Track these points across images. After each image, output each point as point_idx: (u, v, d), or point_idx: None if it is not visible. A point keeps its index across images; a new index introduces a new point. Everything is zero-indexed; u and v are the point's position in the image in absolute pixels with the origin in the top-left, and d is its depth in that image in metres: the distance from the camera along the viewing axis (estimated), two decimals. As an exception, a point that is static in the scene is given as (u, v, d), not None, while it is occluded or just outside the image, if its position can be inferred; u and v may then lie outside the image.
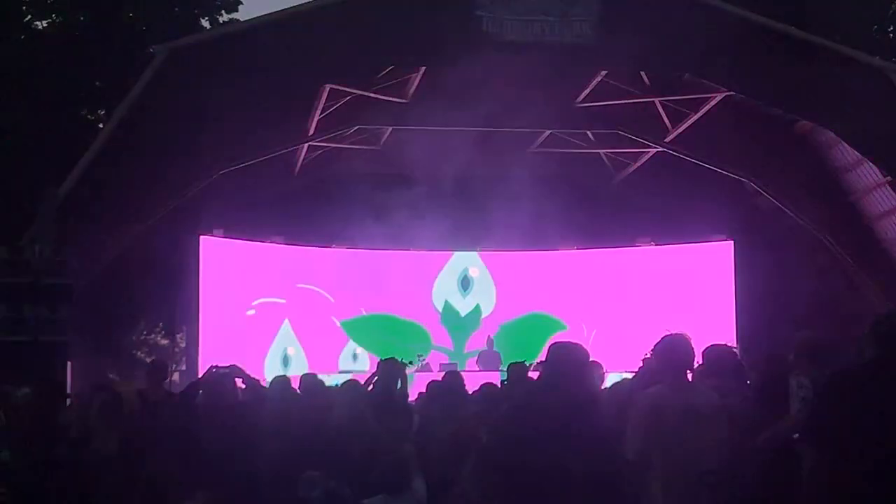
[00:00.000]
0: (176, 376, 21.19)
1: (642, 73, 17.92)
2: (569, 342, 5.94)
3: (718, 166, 19.00)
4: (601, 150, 20.81)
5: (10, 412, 9.22)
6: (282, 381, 9.41)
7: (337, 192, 18.88)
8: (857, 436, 4.55)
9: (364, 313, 20.27)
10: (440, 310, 20.68)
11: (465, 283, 20.85)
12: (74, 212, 14.95)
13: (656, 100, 18.33)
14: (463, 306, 20.81)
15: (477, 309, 20.78)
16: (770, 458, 6.49)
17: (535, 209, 17.71)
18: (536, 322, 20.33)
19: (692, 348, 6.28)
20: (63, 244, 14.16)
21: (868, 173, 18.01)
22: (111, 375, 19.59)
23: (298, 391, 9.55)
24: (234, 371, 9.20)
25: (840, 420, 4.62)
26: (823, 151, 18.67)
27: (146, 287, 18.93)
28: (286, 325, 19.62)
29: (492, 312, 20.79)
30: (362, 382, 9.56)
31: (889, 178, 17.41)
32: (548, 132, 19.79)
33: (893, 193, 17.70)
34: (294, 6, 16.20)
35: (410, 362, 10.37)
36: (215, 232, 18.75)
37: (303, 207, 19.50)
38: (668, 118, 18.52)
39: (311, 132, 18.15)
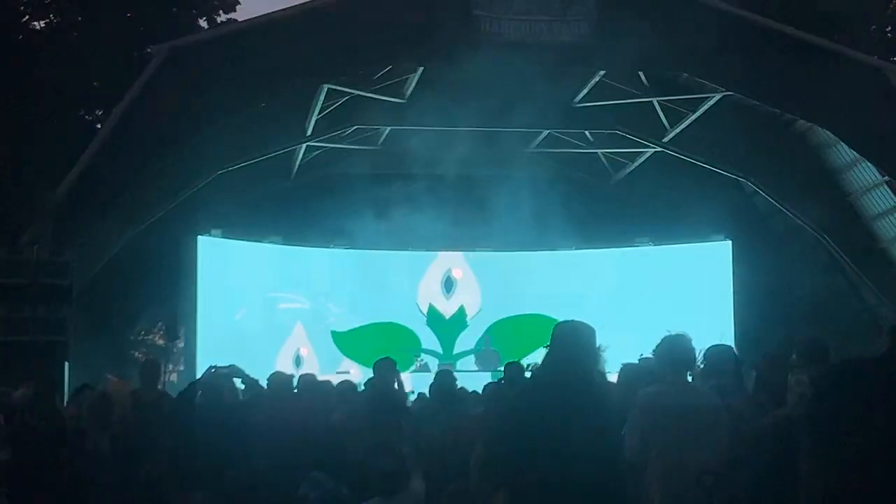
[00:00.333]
0: (174, 376, 21.20)
1: (640, 72, 17.91)
2: (575, 321, 5.82)
3: (717, 166, 19.00)
4: (599, 150, 20.80)
5: (9, 412, 9.22)
6: (280, 378, 9.41)
7: (335, 191, 18.87)
8: (858, 427, 4.52)
9: (354, 325, 20.12)
10: (425, 312, 20.61)
11: (448, 285, 20.73)
12: (73, 212, 14.93)
13: (654, 99, 18.32)
14: (447, 308, 20.71)
15: (461, 310, 20.68)
16: (768, 458, 6.48)
17: (534, 209, 17.72)
18: (533, 321, 20.30)
19: (693, 348, 6.28)
20: (62, 245, 14.17)
21: (866, 173, 18.02)
22: (109, 375, 19.59)
23: (296, 391, 9.58)
24: (234, 371, 9.21)
25: (842, 410, 4.58)
26: (821, 151, 18.67)
27: (144, 287, 18.93)
28: (299, 327, 19.63)
29: (478, 313, 20.67)
30: (357, 383, 9.60)
31: (887, 177, 17.42)
32: (546, 132, 19.78)
33: (891, 193, 17.71)
34: (292, 6, 16.20)
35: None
36: (213, 232, 18.73)
37: (301, 208, 19.49)
38: (667, 118, 18.51)
39: (309, 132, 18.14)
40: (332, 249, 20.05)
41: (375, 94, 17.84)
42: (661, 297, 19.27)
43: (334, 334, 19.96)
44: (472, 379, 13.70)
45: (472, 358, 19.74)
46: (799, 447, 4.94)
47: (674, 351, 6.18)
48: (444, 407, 8.82)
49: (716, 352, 7.24)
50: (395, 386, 9.52)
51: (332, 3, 15.98)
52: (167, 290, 19.01)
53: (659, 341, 6.27)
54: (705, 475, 5.83)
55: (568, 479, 5.16)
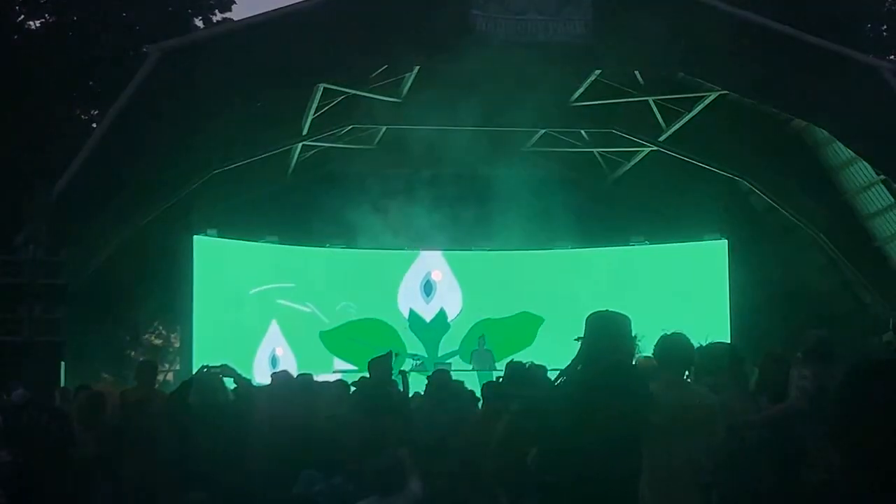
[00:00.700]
0: (170, 376, 21.20)
1: (636, 72, 17.92)
2: (609, 311, 5.74)
3: (712, 165, 19.02)
4: (595, 149, 20.81)
5: (9, 413, 9.21)
6: (283, 377, 9.41)
7: (331, 191, 18.86)
8: (882, 427, 4.46)
9: (362, 317, 20.08)
10: (406, 316, 20.49)
11: (427, 288, 20.65)
12: (68, 212, 14.91)
13: (650, 99, 18.34)
14: (427, 312, 20.64)
15: (442, 313, 20.65)
16: (766, 451, 6.48)
17: (530, 208, 17.72)
18: (523, 320, 20.29)
19: (691, 347, 6.28)
20: (57, 244, 14.14)
21: (862, 172, 18.04)
22: (105, 375, 19.60)
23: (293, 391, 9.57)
24: (226, 370, 9.19)
25: (863, 409, 4.52)
26: (817, 150, 18.69)
27: (140, 287, 18.93)
28: (274, 326, 19.55)
29: (459, 314, 20.50)
30: (351, 382, 9.59)
31: (883, 176, 17.44)
32: (542, 131, 19.79)
33: (887, 192, 17.74)
34: (288, 5, 16.19)
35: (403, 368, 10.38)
36: (209, 232, 18.71)
37: (297, 207, 19.47)
38: (662, 117, 18.52)
39: (305, 131, 18.13)
40: (329, 249, 20.03)
41: (371, 93, 17.84)
42: (657, 296, 19.25)
43: (322, 335, 19.88)
44: (471, 378, 13.70)
45: (460, 359, 19.69)
46: (798, 440, 4.94)
47: (673, 350, 6.18)
48: (443, 405, 8.80)
49: (711, 349, 7.24)
50: (400, 385, 9.50)
51: (328, 3, 15.97)
52: (163, 290, 19.00)
53: (656, 341, 6.27)
54: (702, 472, 5.82)
55: (616, 473, 5.14)
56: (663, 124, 18.59)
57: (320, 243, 19.91)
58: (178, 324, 21.26)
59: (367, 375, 9.72)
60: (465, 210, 18.51)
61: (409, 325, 20.16)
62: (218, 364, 9.37)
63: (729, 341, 15.58)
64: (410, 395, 10.40)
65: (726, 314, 19.01)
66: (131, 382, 16.17)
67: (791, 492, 5.95)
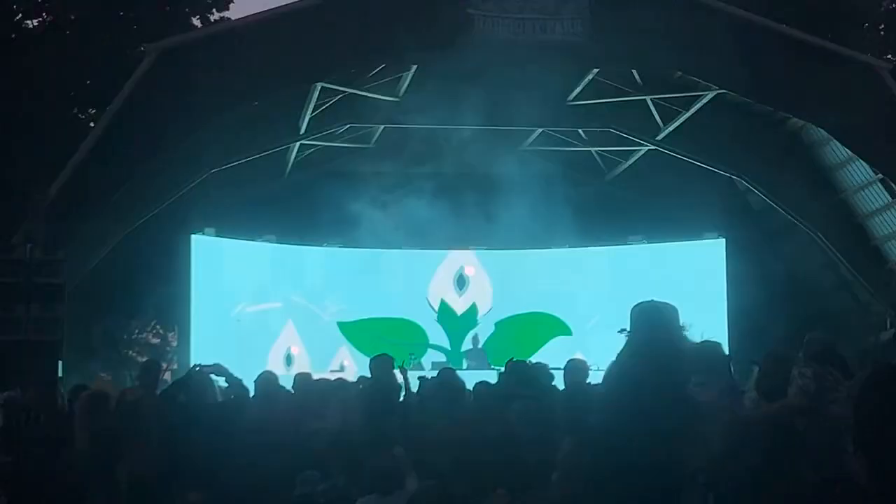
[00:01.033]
0: (168, 375, 21.17)
1: (634, 71, 17.92)
2: (655, 301, 5.70)
3: (710, 164, 19.02)
4: (593, 148, 20.81)
5: (10, 413, 9.21)
6: (267, 378, 9.38)
7: (329, 190, 18.86)
8: None
9: (361, 316, 20.15)
10: (436, 308, 20.63)
11: (460, 282, 20.80)
12: (66, 211, 14.91)
13: (648, 98, 18.34)
14: (459, 305, 20.77)
15: (473, 308, 20.74)
16: (764, 449, 6.47)
17: (527, 207, 17.71)
18: (535, 319, 20.37)
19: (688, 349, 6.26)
20: (55, 243, 14.13)
21: (859, 171, 18.04)
22: (102, 374, 19.58)
23: (291, 390, 9.56)
24: (218, 370, 9.17)
25: (887, 414, 4.51)
26: (815, 149, 18.70)
27: (138, 286, 18.92)
28: (289, 326, 19.62)
29: (489, 311, 20.73)
30: (352, 381, 9.57)
31: (880, 175, 17.45)
32: (539, 130, 19.79)
33: (884, 191, 17.74)
34: (285, 4, 16.19)
35: (402, 365, 10.31)
36: (207, 231, 18.72)
37: (294, 206, 19.47)
38: (660, 116, 18.52)
39: (303, 130, 18.13)
40: (327, 248, 20.04)
41: (369, 92, 17.85)
42: (655, 295, 19.14)
43: (340, 325, 19.96)
44: (467, 377, 13.71)
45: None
46: (798, 437, 4.92)
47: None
48: (448, 406, 8.74)
49: (700, 349, 7.12)
50: (401, 386, 9.47)
51: (325, 2, 15.97)
52: (161, 289, 18.99)
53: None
54: (698, 472, 5.81)
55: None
56: (661, 123, 18.59)
57: (318, 242, 19.93)
58: (175, 323, 21.25)
59: (368, 375, 9.70)
60: (461, 209, 18.51)
61: (438, 317, 20.41)
62: (210, 363, 9.36)
63: (727, 340, 15.69)
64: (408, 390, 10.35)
65: (724, 313, 19.02)
66: (129, 381, 16.21)
67: (791, 491, 5.94)
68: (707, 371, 6.92)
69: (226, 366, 9.35)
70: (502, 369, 10.86)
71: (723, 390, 6.91)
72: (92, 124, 21.39)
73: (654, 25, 15.45)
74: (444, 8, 15.77)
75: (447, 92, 16.65)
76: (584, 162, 21.35)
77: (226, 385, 9.41)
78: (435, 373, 10.42)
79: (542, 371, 9.01)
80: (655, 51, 15.98)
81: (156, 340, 26.84)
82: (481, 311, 20.71)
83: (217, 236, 18.88)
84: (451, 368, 11.11)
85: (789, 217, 18.92)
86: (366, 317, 20.16)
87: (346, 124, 18.74)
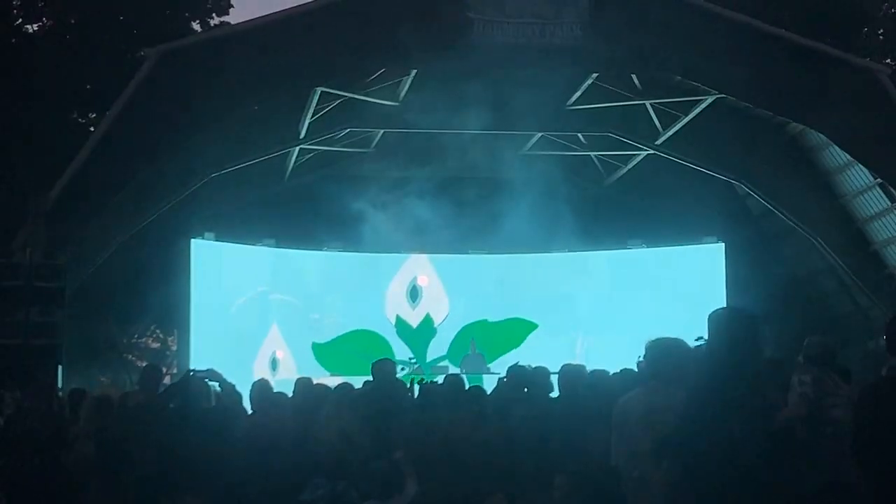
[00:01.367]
0: (167, 379, 21.14)
1: (633, 75, 17.93)
2: (733, 307, 5.61)
3: (709, 168, 19.01)
4: (592, 153, 20.82)
5: (3, 417, 9.21)
6: (261, 386, 9.37)
7: (329, 194, 18.87)
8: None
9: (345, 329, 20.06)
10: (393, 323, 20.48)
11: (413, 294, 20.67)
12: (66, 215, 14.91)
13: (647, 102, 18.34)
14: (413, 318, 20.60)
15: (428, 318, 20.60)
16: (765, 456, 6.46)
17: (527, 211, 17.72)
18: (515, 326, 20.32)
19: (686, 351, 6.27)
20: (55, 247, 14.14)
21: (858, 175, 18.05)
22: (102, 379, 19.57)
23: (291, 396, 9.54)
24: (211, 375, 9.16)
25: (880, 431, 4.50)
26: (814, 153, 18.71)
27: (137, 290, 18.91)
28: (274, 329, 19.59)
29: (445, 318, 20.54)
30: (355, 386, 9.55)
31: (879, 180, 17.46)
32: (539, 134, 19.80)
33: (884, 195, 17.75)
34: (285, 9, 16.20)
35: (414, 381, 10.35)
36: (207, 235, 18.73)
37: (294, 210, 19.48)
38: (659, 120, 18.52)
39: (303, 135, 18.14)
40: (326, 252, 20.04)
41: (369, 96, 17.85)
42: (654, 300, 19.28)
43: (315, 347, 19.84)
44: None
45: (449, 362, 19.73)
46: (800, 444, 4.92)
47: (663, 357, 6.19)
48: (454, 411, 8.72)
49: (660, 345, 6.84)
50: (407, 391, 9.46)
51: (325, 6, 15.97)
52: (161, 293, 18.98)
53: (645, 346, 6.28)
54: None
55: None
56: (660, 128, 18.60)
57: (318, 247, 19.93)
58: (175, 327, 21.24)
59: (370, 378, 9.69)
60: (461, 213, 18.52)
61: (397, 332, 20.19)
62: (204, 368, 9.35)
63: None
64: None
65: (723, 317, 18.96)
66: (129, 385, 16.20)
67: (791, 496, 5.93)
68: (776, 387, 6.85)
69: (219, 371, 9.34)
70: (502, 374, 10.84)
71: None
72: (92, 128, 21.41)
73: (654, 30, 15.47)
74: (445, 12, 15.77)
75: (447, 96, 16.66)
76: (583, 166, 21.36)
77: (220, 390, 9.41)
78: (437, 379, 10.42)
79: (542, 376, 9.01)
80: (655, 55, 15.99)
81: (155, 345, 26.81)
82: (437, 321, 20.54)
83: (216, 240, 18.89)
84: (456, 374, 11.12)
85: (788, 221, 18.92)
86: (359, 323, 20.09)
87: (345, 129, 18.75)
